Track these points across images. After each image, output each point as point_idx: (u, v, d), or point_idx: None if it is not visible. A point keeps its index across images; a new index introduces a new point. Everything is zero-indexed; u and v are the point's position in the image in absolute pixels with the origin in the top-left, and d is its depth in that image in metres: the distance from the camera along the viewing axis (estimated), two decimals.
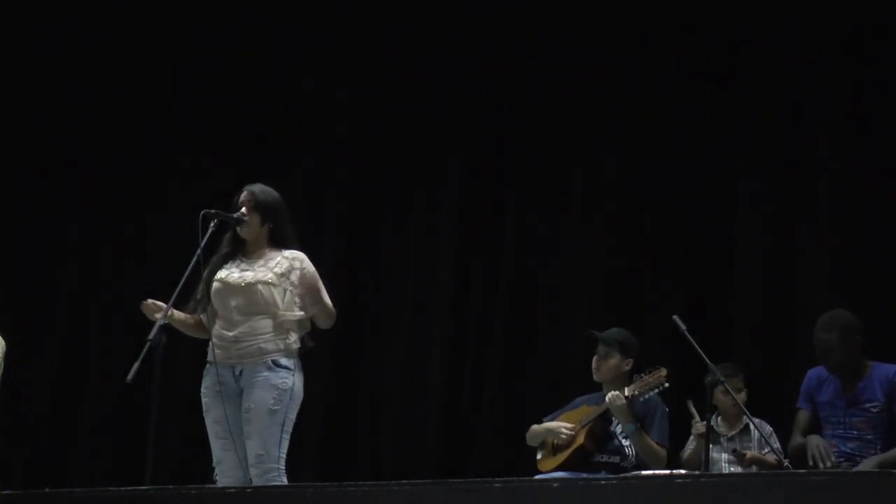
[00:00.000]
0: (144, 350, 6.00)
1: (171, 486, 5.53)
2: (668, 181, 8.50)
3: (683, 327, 6.72)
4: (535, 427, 7.30)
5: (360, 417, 9.10)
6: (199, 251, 6.33)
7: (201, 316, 6.48)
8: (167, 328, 6.09)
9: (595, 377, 7.15)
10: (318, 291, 6.45)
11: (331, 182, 9.40)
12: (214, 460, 6.43)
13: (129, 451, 8.28)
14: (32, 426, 9.48)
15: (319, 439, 8.98)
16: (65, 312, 9.76)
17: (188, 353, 8.75)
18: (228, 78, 9.55)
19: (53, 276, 9.75)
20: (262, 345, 6.34)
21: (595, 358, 7.14)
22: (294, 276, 6.44)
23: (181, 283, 6.29)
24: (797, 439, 6.86)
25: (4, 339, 7.68)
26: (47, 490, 7.86)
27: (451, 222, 9.06)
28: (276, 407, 6.28)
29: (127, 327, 8.45)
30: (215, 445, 6.42)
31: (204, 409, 6.44)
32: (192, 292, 6.44)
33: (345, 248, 9.24)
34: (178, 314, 6.40)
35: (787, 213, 8.20)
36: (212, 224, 6.40)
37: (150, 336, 6.05)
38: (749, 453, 7.06)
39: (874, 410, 6.70)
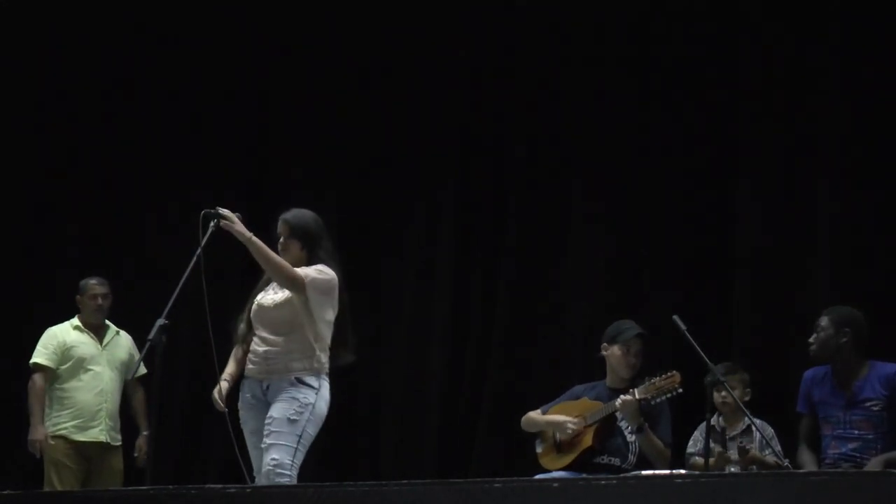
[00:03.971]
0: (144, 350, 6.01)
1: (171, 486, 5.52)
2: (669, 181, 8.50)
3: (683, 327, 6.72)
4: (533, 416, 7.27)
5: (360, 417, 9.10)
6: (199, 251, 6.34)
7: (242, 347, 6.59)
8: (167, 328, 6.10)
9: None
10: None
11: (331, 183, 9.40)
12: (255, 470, 6.54)
13: (129, 452, 8.27)
14: None
15: (319, 439, 8.95)
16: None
17: (188, 353, 8.78)
18: (229, 94, 9.59)
19: (52, 275, 9.74)
20: (289, 363, 6.46)
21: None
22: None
23: (181, 282, 6.29)
24: (804, 455, 6.86)
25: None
26: (47, 490, 7.89)
27: (450, 222, 9.06)
28: (295, 418, 6.40)
29: (127, 327, 8.44)
30: (253, 455, 6.55)
31: (241, 421, 6.58)
32: (194, 294, 6.44)
33: (346, 247, 9.23)
34: (233, 373, 6.56)
35: (787, 214, 8.19)
36: (212, 224, 6.41)
37: (150, 336, 6.06)
38: (752, 452, 7.05)
39: (875, 409, 6.69)
